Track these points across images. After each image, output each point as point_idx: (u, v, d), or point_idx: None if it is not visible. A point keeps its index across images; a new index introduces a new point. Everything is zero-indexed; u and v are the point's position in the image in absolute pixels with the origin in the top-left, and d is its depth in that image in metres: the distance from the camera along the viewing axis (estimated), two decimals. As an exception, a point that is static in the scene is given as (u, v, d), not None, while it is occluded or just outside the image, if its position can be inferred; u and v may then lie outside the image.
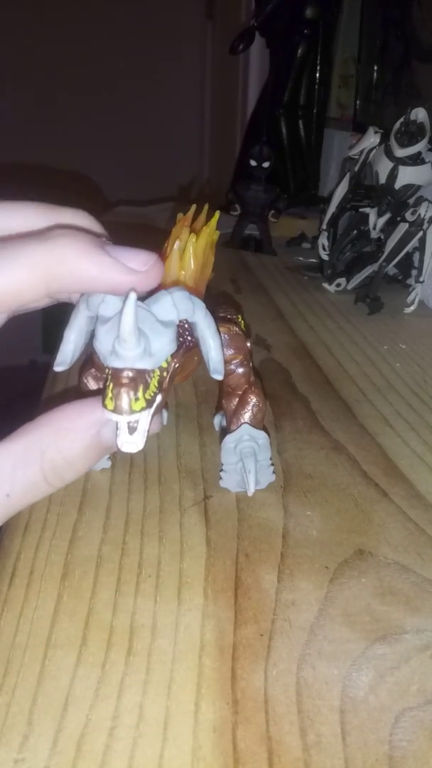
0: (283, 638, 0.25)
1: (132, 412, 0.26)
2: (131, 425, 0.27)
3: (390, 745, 0.21)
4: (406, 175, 0.61)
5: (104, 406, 0.27)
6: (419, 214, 0.60)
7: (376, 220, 0.63)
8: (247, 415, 0.33)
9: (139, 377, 0.26)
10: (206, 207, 0.33)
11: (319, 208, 0.73)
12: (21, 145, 1.95)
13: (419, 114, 0.60)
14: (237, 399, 0.34)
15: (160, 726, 0.21)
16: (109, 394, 0.26)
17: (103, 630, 0.25)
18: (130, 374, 0.26)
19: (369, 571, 0.29)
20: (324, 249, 0.67)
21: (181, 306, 0.28)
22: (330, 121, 1.03)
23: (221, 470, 0.33)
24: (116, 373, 0.26)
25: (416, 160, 0.61)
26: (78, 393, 0.35)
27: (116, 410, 0.26)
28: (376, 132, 0.64)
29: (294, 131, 1.02)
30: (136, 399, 0.26)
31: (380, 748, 0.21)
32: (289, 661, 0.24)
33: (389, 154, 0.62)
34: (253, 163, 0.78)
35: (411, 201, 0.61)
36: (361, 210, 0.64)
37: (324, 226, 0.67)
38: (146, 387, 0.26)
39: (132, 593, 0.27)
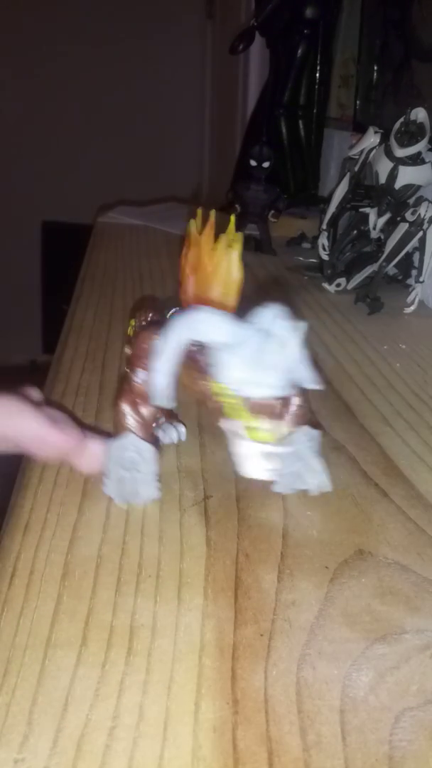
0: (283, 638, 0.25)
1: (279, 441, 0.26)
2: (267, 452, 0.27)
3: (390, 745, 0.21)
4: (406, 175, 0.61)
5: (252, 436, 0.26)
6: (419, 214, 0.60)
7: (376, 220, 0.63)
8: (291, 417, 0.32)
9: (278, 404, 0.26)
10: (213, 212, 0.32)
11: (319, 208, 0.73)
12: (22, 144, 1.95)
13: (419, 114, 0.60)
14: None
15: (160, 726, 0.21)
16: (254, 424, 0.26)
17: (103, 630, 0.25)
18: (273, 403, 0.26)
19: (369, 571, 0.28)
20: (324, 249, 0.67)
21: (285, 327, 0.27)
22: (330, 121, 1.03)
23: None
24: (261, 402, 0.25)
25: (416, 160, 0.61)
26: (116, 419, 0.33)
27: (273, 439, 0.25)
28: (376, 132, 0.64)
29: (294, 131, 1.02)
30: (277, 426, 0.25)
31: (380, 748, 0.21)
32: (289, 661, 0.24)
33: (389, 154, 0.62)
34: (253, 163, 0.78)
35: (411, 201, 0.61)
36: (361, 210, 0.64)
37: (324, 226, 0.67)
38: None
39: (132, 593, 0.27)
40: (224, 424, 0.27)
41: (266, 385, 0.25)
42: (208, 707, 0.22)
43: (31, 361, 1.98)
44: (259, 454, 0.27)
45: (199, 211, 0.34)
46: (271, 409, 0.25)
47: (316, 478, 0.32)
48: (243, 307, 0.30)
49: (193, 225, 0.33)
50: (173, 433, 0.37)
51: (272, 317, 0.27)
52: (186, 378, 0.30)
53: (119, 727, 0.21)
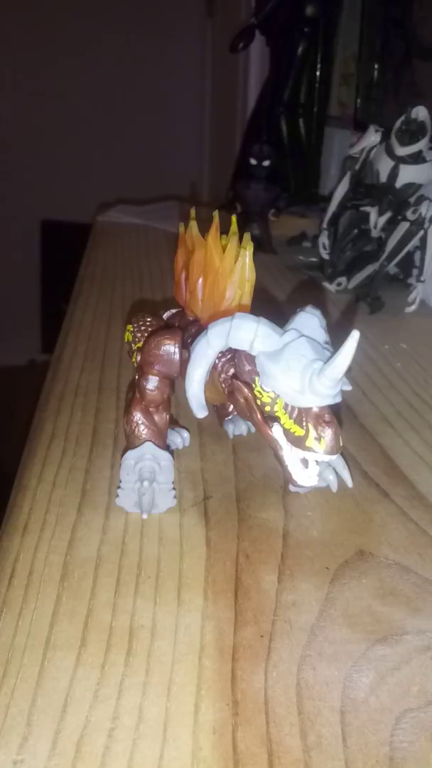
0: (284, 639, 0.25)
1: (341, 448, 0.25)
2: (314, 459, 0.26)
3: (391, 746, 0.21)
4: (407, 174, 0.61)
5: (308, 447, 0.25)
6: (420, 213, 0.60)
7: (376, 219, 0.63)
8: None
9: (329, 412, 0.25)
10: (216, 213, 0.32)
11: (320, 207, 0.73)
12: (20, 143, 1.95)
13: (420, 112, 0.60)
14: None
15: (159, 727, 0.21)
16: (315, 434, 0.25)
17: (103, 631, 0.25)
18: (330, 412, 0.25)
19: (370, 571, 0.28)
20: (325, 248, 0.67)
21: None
22: (330, 120, 1.03)
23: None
24: (320, 412, 0.25)
25: (417, 158, 0.61)
26: (129, 429, 0.32)
27: (332, 451, 0.25)
28: (376, 130, 0.64)
29: (294, 130, 1.02)
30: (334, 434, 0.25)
31: (381, 749, 0.21)
32: (289, 662, 0.24)
33: (390, 152, 0.61)
34: (253, 161, 0.78)
35: (412, 200, 0.61)
36: (361, 209, 0.64)
37: (325, 225, 0.67)
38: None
39: (131, 594, 0.26)
40: (274, 432, 0.26)
41: (321, 395, 0.25)
42: (208, 708, 0.22)
43: (30, 360, 1.98)
44: (307, 462, 0.26)
45: (192, 211, 0.34)
46: (322, 418, 0.25)
47: (335, 474, 0.32)
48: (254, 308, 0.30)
49: (194, 227, 0.33)
50: (177, 439, 0.37)
51: (313, 322, 0.27)
52: (209, 384, 0.30)
53: (119, 729, 0.21)
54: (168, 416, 0.33)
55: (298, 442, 0.25)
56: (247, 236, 0.30)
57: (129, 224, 0.94)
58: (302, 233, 0.85)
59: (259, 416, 0.27)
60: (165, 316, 0.36)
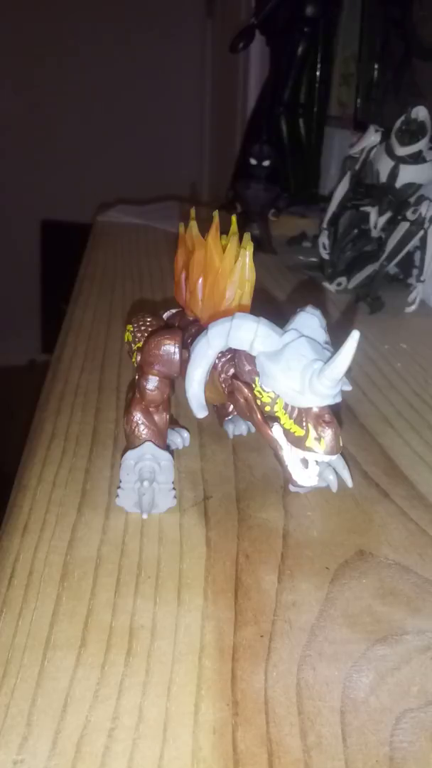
0: (284, 639, 0.25)
1: (341, 448, 0.25)
2: (315, 459, 0.26)
3: (391, 746, 0.21)
4: (407, 174, 0.61)
5: (308, 447, 0.25)
6: (420, 213, 0.60)
7: (376, 219, 0.63)
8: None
9: (329, 412, 0.25)
10: (216, 213, 0.32)
11: (320, 207, 0.73)
12: (20, 143, 1.95)
13: (420, 112, 0.60)
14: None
15: (159, 727, 0.21)
16: (315, 434, 0.25)
17: (103, 631, 0.25)
18: (330, 412, 0.25)
19: (370, 571, 0.28)
20: (325, 248, 0.67)
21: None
22: (330, 120, 1.03)
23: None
24: (320, 412, 0.25)
25: (417, 158, 0.61)
26: (129, 429, 0.32)
27: (332, 451, 0.25)
28: (376, 130, 0.64)
29: (294, 130, 1.02)
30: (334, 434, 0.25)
31: (381, 749, 0.21)
32: (289, 662, 0.24)
33: (390, 152, 0.61)
34: (253, 161, 0.78)
35: (412, 200, 0.61)
36: (361, 209, 0.64)
37: (325, 225, 0.67)
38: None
39: (131, 594, 0.26)
40: (274, 432, 0.26)
41: (321, 395, 0.25)
42: (208, 708, 0.22)
43: (30, 360, 1.98)
44: (307, 462, 0.26)
45: (192, 211, 0.34)
46: (322, 418, 0.25)
47: (335, 474, 0.32)
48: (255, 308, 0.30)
49: (194, 227, 0.33)
50: (177, 439, 0.37)
51: (313, 322, 0.27)
52: (209, 384, 0.30)
53: (119, 729, 0.21)
54: (168, 416, 0.33)
55: (298, 442, 0.26)
56: (247, 236, 0.30)
57: (129, 224, 0.94)
58: (302, 233, 0.85)
59: (259, 416, 0.27)
60: (165, 316, 0.36)
